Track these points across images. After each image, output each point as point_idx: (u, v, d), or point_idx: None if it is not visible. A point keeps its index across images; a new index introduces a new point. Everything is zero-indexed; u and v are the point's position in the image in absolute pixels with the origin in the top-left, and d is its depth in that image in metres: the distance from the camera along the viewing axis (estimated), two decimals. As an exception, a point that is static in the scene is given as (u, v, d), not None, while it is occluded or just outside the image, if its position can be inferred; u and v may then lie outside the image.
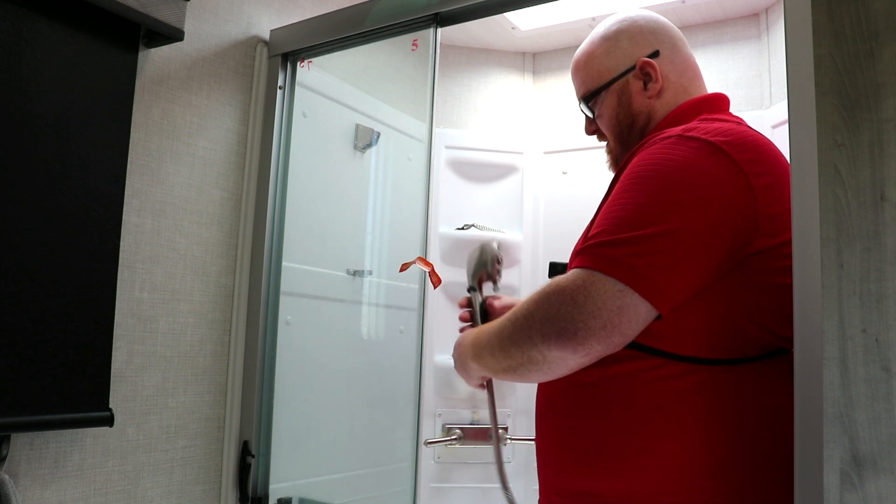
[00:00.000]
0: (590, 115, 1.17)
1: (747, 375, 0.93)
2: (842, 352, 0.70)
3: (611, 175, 1.11)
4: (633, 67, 1.09)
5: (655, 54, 1.09)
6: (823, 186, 0.73)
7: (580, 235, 1.01)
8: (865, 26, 0.72)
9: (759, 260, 0.91)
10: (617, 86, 1.11)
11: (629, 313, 0.87)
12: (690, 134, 0.94)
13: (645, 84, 1.09)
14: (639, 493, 0.91)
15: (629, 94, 1.10)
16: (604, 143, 1.19)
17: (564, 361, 0.91)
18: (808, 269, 0.77)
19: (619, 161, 1.14)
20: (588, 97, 1.14)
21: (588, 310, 0.87)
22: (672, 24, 1.14)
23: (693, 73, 1.11)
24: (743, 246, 0.90)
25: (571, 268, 0.94)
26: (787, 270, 0.93)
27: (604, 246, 0.90)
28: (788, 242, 0.92)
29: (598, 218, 0.96)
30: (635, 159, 0.98)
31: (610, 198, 0.97)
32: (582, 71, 1.15)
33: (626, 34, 1.11)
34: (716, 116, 1.02)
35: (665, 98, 1.08)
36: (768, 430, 0.91)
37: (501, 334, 0.97)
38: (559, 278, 0.92)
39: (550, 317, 0.90)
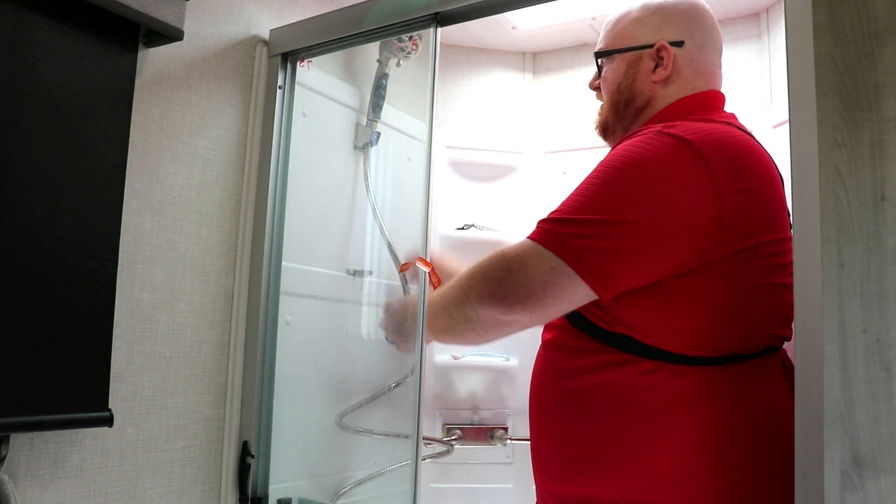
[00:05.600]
0: (597, 71, 1.17)
1: (738, 376, 0.93)
2: (842, 352, 0.70)
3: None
4: (651, 46, 1.07)
5: (680, 44, 1.07)
6: (824, 186, 0.73)
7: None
8: (866, 26, 0.72)
9: (735, 261, 0.91)
10: (630, 56, 1.09)
11: (555, 289, 0.91)
12: (670, 131, 0.95)
13: (655, 67, 1.08)
14: (635, 497, 0.91)
15: (637, 69, 1.09)
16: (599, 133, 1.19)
17: (494, 321, 0.97)
18: (808, 269, 0.76)
19: (606, 125, 1.15)
20: (602, 54, 1.14)
21: (518, 279, 0.92)
22: (718, 30, 1.11)
23: (709, 79, 1.09)
24: (707, 248, 0.90)
25: None
26: (768, 270, 0.93)
27: (553, 222, 0.94)
28: (767, 244, 0.92)
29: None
30: (616, 148, 0.98)
31: (582, 181, 0.98)
32: (609, 26, 1.14)
33: (663, 12, 1.09)
34: (705, 117, 1.02)
35: (670, 90, 1.07)
36: (763, 430, 0.91)
37: (445, 295, 1.05)
38: (505, 247, 0.97)
39: (488, 278, 0.96)
